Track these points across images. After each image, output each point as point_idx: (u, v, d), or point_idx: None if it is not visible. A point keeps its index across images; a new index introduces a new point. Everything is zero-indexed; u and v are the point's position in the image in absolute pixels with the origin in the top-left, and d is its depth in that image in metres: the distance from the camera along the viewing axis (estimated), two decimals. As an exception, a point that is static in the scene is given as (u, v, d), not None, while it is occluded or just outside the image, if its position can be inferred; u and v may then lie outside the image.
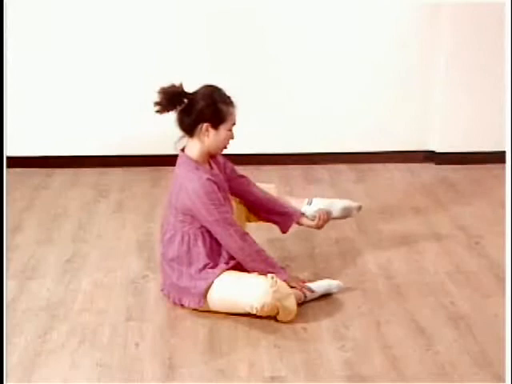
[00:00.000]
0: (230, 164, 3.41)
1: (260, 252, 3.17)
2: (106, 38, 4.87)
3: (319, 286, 3.29)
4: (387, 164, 5.15)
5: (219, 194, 3.11)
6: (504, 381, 2.56)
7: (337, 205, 3.54)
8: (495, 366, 2.80)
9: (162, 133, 4.83)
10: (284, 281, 3.10)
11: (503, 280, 3.39)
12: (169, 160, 4.96)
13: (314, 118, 5.07)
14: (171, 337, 3.01)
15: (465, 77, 5.01)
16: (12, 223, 4.09)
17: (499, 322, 3.06)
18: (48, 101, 4.96)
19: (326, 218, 3.47)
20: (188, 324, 3.11)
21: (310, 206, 3.52)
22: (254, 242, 3.17)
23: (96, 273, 3.55)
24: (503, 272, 3.46)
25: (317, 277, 3.44)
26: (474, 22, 4.92)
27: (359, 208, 3.57)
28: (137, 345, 2.95)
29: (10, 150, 4.75)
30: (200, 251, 3.13)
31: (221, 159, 3.35)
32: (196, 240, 3.13)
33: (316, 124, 5.08)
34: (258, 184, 3.56)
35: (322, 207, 3.50)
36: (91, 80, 4.94)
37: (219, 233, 3.11)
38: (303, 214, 3.49)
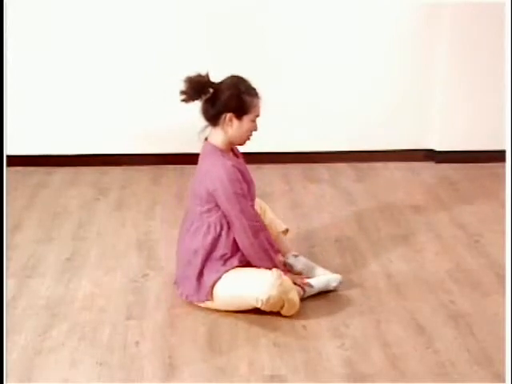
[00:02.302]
0: None
1: (268, 251, 3.16)
2: (106, 38, 4.86)
3: (318, 281, 3.29)
4: (387, 162, 5.14)
5: (243, 184, 3.11)
6: (504, 380, 2.55)
7: (319, 278, 3.36)
8: (495, 364, 2.79)
9: (163, 131, 4.88)
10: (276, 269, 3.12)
11: (503, 278, 3.39)
12: (169, 158, 5.04)
13: (314, 117, 5.06)
14: (171, 335, 3.00)
15: (464, 76, 5.00)
16: (12, 222, 4.09)
17: (499, 321, 3.05)
18: (48, 100, 4.95)
19: (300, 282, 3.26)
20: (188, 323, 3.10)
21: (294, 258, 3.46)
22: (266, 240, 3.16)
23: (96, 271, 3.54)
24: (503, 270, 3.46)
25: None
26: (473, 22, 4.90)
27: (339, 280, 3.37)
28: (137, 343, 2.94)
29: (9, 149, 4.76)
30: (222, 240, 3.12)
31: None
32: (221, 229, 3.12)
33: (316, 123, 5.07)
34: (272, 217, 3.54)
35: (302, 268, 3.43)
36: (91, 79, 4.93)
37: (234, 224, 3.11)
38: (284, 260, 3.41)
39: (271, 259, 3.17)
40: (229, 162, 3.09)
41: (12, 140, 4.78)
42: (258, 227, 3.15)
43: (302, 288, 3.21)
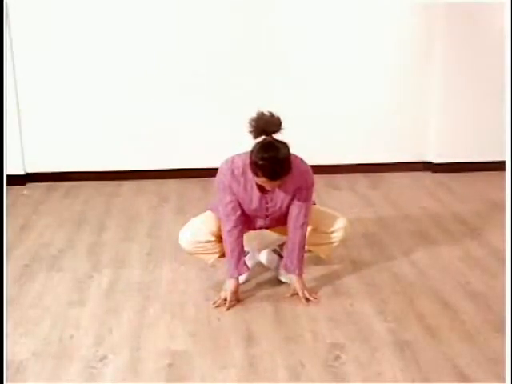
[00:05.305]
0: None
1: (233, 251, 3.01)
2: (128, 55, 4.82)
3: (269, 259, 3.35)
4: (393, 173, 5.19)
5: (228, 185, 2.91)
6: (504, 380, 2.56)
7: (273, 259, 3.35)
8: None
9: (210, 148, 4.91)
10: (230, 277, 3.04)
11: (504, 262, 3.42)
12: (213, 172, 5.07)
13: (333, 137, 5.11)
14: (245, 312, 3.03)
15: (458, 98, 5.05)
16: (95, 224, 4.13)
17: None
18: (111, 120, 4.96)
19: (306, 295, 3.12)
20: (256, 303, 3.12)
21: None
22: (236, 240, 2.99)
23: (173, 263, 3.57)
24: (503, 255, 3.49)
25: (353, 265, 3.49)
26: (470, 23, 4.90)
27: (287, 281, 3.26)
28: (218, 319, 2.97)
29: (87, 166, 4.83)
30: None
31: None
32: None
33: (334, 140, 5.11)
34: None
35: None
36: (142, 104, 4.92)
37: (220, 216, 3.04)
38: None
39: (233, 258, 3.01)
40: (235, 164, 2.89)
41: (87, 159, 4.85)
42: (233, 225, 2.96)
43: (306, 300, 3.09)
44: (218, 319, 2.97)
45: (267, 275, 3.37)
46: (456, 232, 4.00)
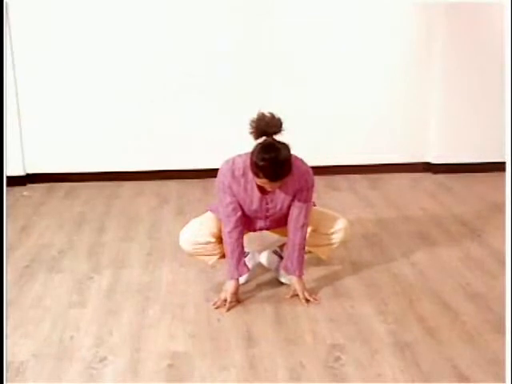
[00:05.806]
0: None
1: (233, 252, 3.00)
2: (128, 56, 4.82)
3: (269, 260, 3.34)
4: (393, 173, 5.19)
5: (228, 186, 2.90)
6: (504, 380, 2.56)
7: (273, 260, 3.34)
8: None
9: (210, 149, 4.91)
10: (230, 278, 3.03)
11: (504, 263, 3.43)
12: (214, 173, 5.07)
13: (333, 138, 5.11)
14: (245, 313, 3.03)
15: (458, 100, 5.06)
16: (96, 225, 4.14)
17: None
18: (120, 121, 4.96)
19: (306, 296, 3.12)
20: (256, 305, 3.11)
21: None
22: (236, 241, 2.98)
23: (173, 264, 3.57)
24: (503, 256, 3.50)
25: (353, 266, 3.49)
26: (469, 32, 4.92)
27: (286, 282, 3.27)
28: (218, 320, 2.97)
29: (87, 167, 4.83)
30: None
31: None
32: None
33: (335, 142, 5.12)
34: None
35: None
36: (143, 105, 4.94)
37: (220, 217, 3.04)
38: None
39: (233, 259, 3.00)
40: (236, 165, 2.88)
41: (87, 160, 4.85)
42: (233, 226, 2.96)
43: (306, 301, 3.10)
44: (218, 320, 2.96)
45: (267, 276, 3.37)
46: (456, 233, 4.00)
